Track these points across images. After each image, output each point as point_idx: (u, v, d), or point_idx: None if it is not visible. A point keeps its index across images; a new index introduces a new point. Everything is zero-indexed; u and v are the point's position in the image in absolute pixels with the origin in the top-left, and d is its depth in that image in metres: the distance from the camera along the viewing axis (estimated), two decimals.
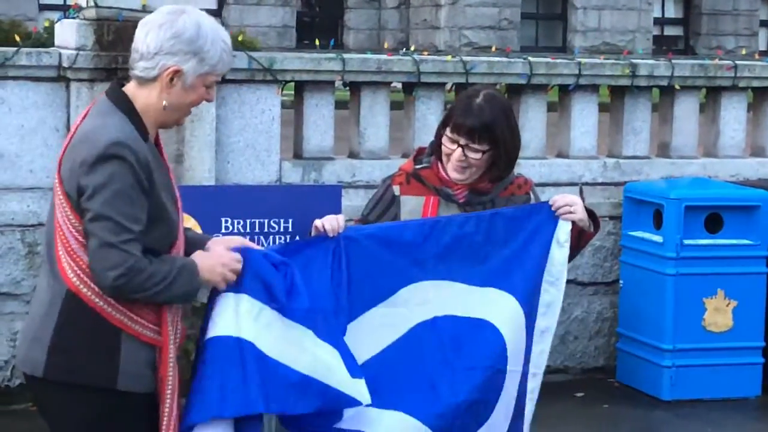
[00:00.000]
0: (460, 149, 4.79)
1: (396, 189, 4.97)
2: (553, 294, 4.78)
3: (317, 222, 4.62)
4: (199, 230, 5.27)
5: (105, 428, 4.15)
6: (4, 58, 8.08)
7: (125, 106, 4.13)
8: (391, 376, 4.72)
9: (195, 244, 4.43)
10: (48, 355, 4.11)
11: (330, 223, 4.59)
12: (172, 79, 4.10)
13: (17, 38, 10.42)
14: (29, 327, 4.25)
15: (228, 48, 4.20)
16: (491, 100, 4.91)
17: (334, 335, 4.54)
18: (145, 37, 4.12)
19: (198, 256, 4.16)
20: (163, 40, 4.09)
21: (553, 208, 4.75)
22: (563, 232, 4.75)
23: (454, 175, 4.84)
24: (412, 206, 4.91)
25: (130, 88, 4.17)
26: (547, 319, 4.80)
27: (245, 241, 4.57)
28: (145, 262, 3.96)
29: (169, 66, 4.08)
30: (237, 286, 4.33)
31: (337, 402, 4.50)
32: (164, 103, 4.12)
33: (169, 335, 4.12)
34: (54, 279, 4.12)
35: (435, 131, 5.00)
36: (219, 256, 4.21)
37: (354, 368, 4.53)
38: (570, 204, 4.75)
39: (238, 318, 4.35)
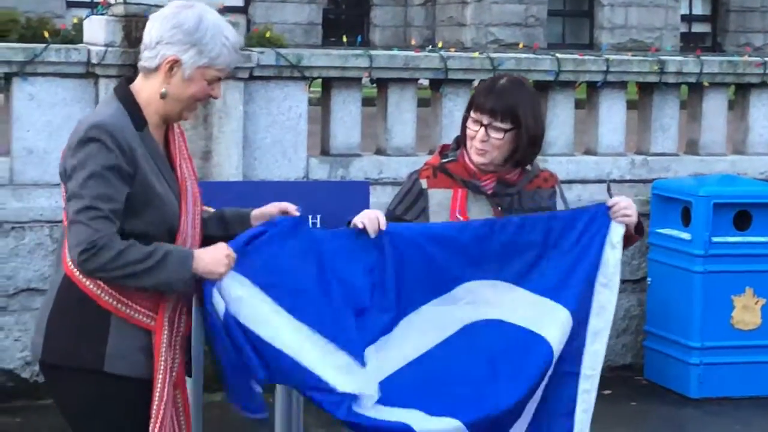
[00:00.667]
0: (483, 129, 4.79)
1: (423, 183, 4.95)
2: (606, 295, 4.77)
3: (356, 220, 4.63)
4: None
5: (100, 411, 4.21)
6: (33, 55, 8.13)
7: (124, 97, 4.21)
8: (434, 376, 4.71)
9: (240, 220, 4.56)
10: (44, 339, 4.23)
11: (371, 224, 4.59)
12: (171, 69, 4.16)
13: (46, 35, 10.44)
14: (38, 316, 4.39)
15: (230, 44, 4.25)
16: (515, 82, 4.96)
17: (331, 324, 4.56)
18: (150, 29, 4.22)
19: (200, 253, 4.16)
20: (164, 30, 4.18)
21: (613, 209, 4.74)
22: (616, 234, 4.75)
23: (476, 158, 4.84)
24: (440, 199, 4.91)
25: (137, 82, 4.26)
26: (602, 320, 4.79)
27: (287, 206, 4.60)
28: (117, 242, 3.99)
29: (168, 56, 4.14)
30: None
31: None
32: (162, 90, 4.15)
33: (165, 322, 4.16)
34: (57, 267, 4.26)
35: (462, 123, 4.98)
36: (222, 258, 4.21)
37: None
38: (628, 207, 4.77)
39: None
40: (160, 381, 4.14)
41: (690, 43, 22.76)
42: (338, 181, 8.15)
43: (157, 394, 4.14)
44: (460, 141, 4.99)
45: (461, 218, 4.88)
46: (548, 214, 4.87)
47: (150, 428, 4.14)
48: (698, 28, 24.96)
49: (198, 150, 8.00)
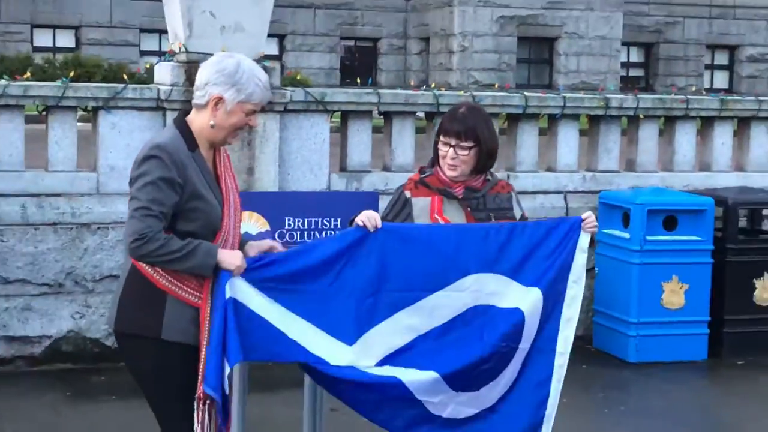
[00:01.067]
0: (451, 149, 4.81)
1: (407, 193, 4.97)
2: (576, 289, 4.77)
3: (358, 219, 4.63)
4: (267, 226, 5.37)
5: (159, 371, 4.28)
6: (114, 93, 8.25)
7: (180, 125, 4.29)
8: (433, 346, 4.71)
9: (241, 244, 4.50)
10: (117, 313, 4.31)
11: (370, 222, 4.60)
12: (216, 104, 4.21)
13: (124, 77, 10.49)
14: (113, 295, 4.46)
15: (262, 84, 4.30)
16: (472, 109, 5.05)
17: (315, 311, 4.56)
18: (200, 73, 4.30)
19: (223, 251, 4.19)
20: (210, 74, 4.25)
21: (584, 222, 4.76)
22: (585, 241, 4.76)
23: (449, 173, 4.86)
24: (422, 205, 4.92)
25: (191, 115, 4.33)
26: (572, 310, 4.77)
27: (273, 244, 4.60)
28: (161, 235, 4.06)
29: (214, 94, 4.21)
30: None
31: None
32: (211, 122, 4.23)
33: (209, 299, 4.20)
34: (126, 258, 4.30)
35: (434, 146, 5.02)
36: (239, 256, 4.24)
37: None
38: (594, 222, 4.81)
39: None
40: (206, 339, 4.20)
41: (628, 84, 22.74)
42: (353, 192, 8.22)
43: (203, 356, 4.20)
44: (434, 161, 5.01)
45: (440, 218, 4.89)
46: (535, 222, 4.93)
47: (198, 385, 4.20)
48: (634, 72, 24.92)
49: (243, 167, 8.11)
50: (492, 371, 4.76)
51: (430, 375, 4.69)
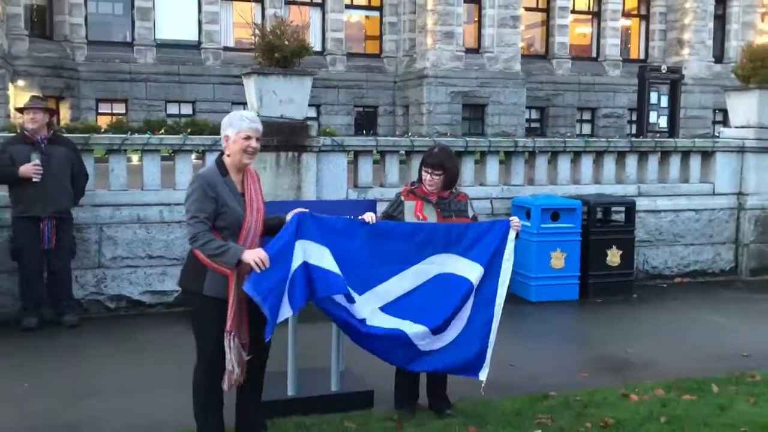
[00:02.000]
0: (429, 175, 4.97)
1: (402, 198, 5.07)
2: (507, 265, 4.82)
3: (363, 216, 4.72)
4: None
5: (202, 314, 4.25)
6: (215, 141, 8.05)
7: (218, 161, 4.26)
8: (417, 301, 4.74)
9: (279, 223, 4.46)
10: (180, 276, 4.38)
11: (370, 219, 4.72)
12: (227, 141, 4.20)
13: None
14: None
15: (248, 120, 4.23)
16: (442, 149, 5.10)
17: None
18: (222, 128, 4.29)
19: (247, 251, 4.08)
20: (222, 127, 4.25)
21: (512, 223, 4.85)
22: (512, 235, 4.84)
23: (428, 188, 4.99)
24: (410, 206, 4.99)
25: (226, 153, 4.28)
26: (505, 277, 4.81)
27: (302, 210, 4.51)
28: (207, 236, 4.05)
29: (224, 135, 4.22)
30: (303, 235, 4.38)
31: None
32: (227, 153, 4.23)
33: (236, 272, 4.11)
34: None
35: (418, 170, 5.09)
36: (257, 253, 4.11)
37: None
38: (518, 223, 4.89)
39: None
40: (232, 298, 4.14)
41: (530, 132, 22.75)
42: (361, 200, 8.13)
43: (230, 305, 4.15)
44: (419, 179, 5.06)
45: (420, 215, 4.93)
46: (480, 223, 4.96)
47: (228, 319, 4.14)
48: (534, 125, 24.92)
49: (294, 186, 8.08)
50: (455, 319, 4.77)
51: (422, 328, 4.70)
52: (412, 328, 4.66)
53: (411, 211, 4.96)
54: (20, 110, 7.49)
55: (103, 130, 11.72)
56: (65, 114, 20.29)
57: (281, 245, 4.32)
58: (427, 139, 9.56)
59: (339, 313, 4.57)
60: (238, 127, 4.18)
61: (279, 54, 7.90)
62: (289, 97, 7.99)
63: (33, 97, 7.61)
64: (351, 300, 4.56)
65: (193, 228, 4.06)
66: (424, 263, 4.79)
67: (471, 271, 4.77)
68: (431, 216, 4.95)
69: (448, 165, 5.00)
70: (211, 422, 4.37)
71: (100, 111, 21.23)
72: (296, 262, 4.36)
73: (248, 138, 4.18)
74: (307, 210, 4.53)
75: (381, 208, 5.22)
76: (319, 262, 4.46)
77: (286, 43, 7.91)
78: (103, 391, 5.63)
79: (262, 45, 7.93)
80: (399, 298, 4.74)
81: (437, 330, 4.72)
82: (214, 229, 4.13)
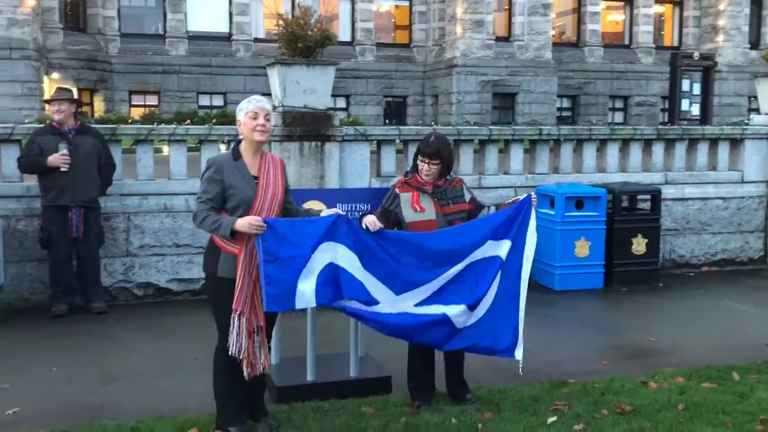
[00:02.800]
0: (425, 165, 4.91)
1: (397, 190, 4.99)
2: (532, 239, 4.84)
3: (363, 221, 4.65)
4: (324, 208, 5.08)
5: (217, 293, 4.34)
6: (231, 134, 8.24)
7: (233, 147, 4.40)
8: (454, 287, 4.75)
9: (301, 213, 4.55)
10: (203, 260, 4.49)
11: (372, 226, 4.62)
12: (240, 126, 4.32)
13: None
14: None
15: (254, 101, 4.32)
16: (438, 138, 5.02)
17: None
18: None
19: (239, 219, 4.16)
20: (237, 112, 4.35)
21: (533, 200, 4.87)
22: (534, 211, 4.87)
23: (425, 178, 4.93)
24: (406, 198, 4.93)
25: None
26: (530, 251, 4.83)
27: (335, 210, 4.56)
28: (204, 213, 4.20)
29: (237, 119, 4.34)
30: (335, 238, 4.42)
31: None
32: (241, 137, 4.37)
33: (243, 251, 4.19)
34: None
35: (413, 160, 5.07)
36: (249, 218, 4.18)
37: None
38: (535, 198, 4.90)
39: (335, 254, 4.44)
40: (240, 278, 4.22)
41: (561, 122, 22.62)
42: (384, 187, 8.11)
43: (239, 286, 4.23)
44: (414, 169, 5.03)
45: (418, 207, 4.88)
46: (507, 209, 4.90)
47: (234, 298, 4.21)
48: (566, 114, 24.71)
49: (318, 175, 8.13)
50: (487, 294, 4.79)
51: (461, 307, 4.73)
52: (453, 310, 4.70)
53: (408, 204, 4.89)
54: (47, 102, 7.64)
55: (130, 121, 11.85)
56: (99, 106, 20.59)
57: (309, 231, 4.39)
58: (449, 127, 9.51)
59: (359, 312, 4.60)
60: (245, 108, 4.31)
61: (302, 44, 7.94)
62: (312, 86, 8.03)
63: (58, 89, 7.77)
64: (372, 303, 4.57)
65: (195, 208, 4.25)
66: (462, 263, 4.78)
67: (501, 248, 4.80)
68: (428, 206, 4.88)
69: (445, 154, 4.92)
70: (230, 402, 4.45)
71: (133, 103, 21.53)
72: (322, 261, 4.40)
73: (255, 116, 4.27)
74: (343, 213, 4.57)
75: None
76: (348, 266, 4.50)
77: (309, 33, 7.95)
78: (129, 375, 5.75)
79: (286, 35, 7.98)
80: (436, 292, 4.75)
81: (472, 306, 4.75)
82: (225, 211, 4.26)
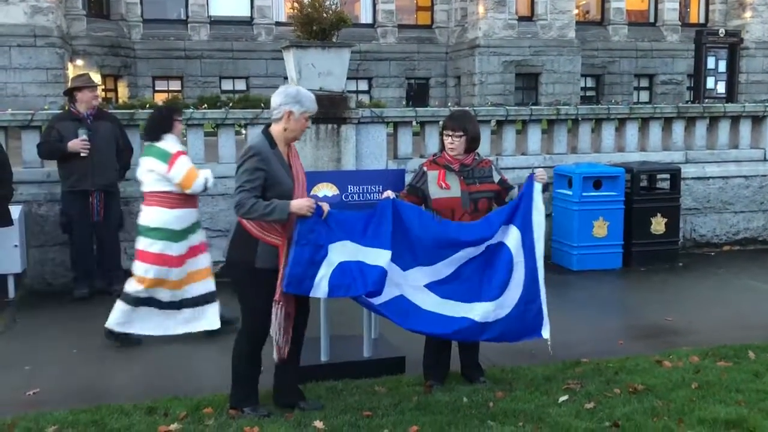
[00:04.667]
0: (449, 138, 4.93)
1: (425, 168, 5.02)
2: (539, 218, 4.80)
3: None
4: (336, 191, 5.20)
5: (254, 284, 4.33)
6: (256, 114, 8.32)
7: (266, 133, 4.35)
8: (471, 280, 4.76)
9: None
10: (230, 248, 4.40)
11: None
12: (288, 116, 4.29)
13: (262, 105, 10.59)
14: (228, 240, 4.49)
15: (312, 100, 4.35)
16: (462, 111, 5.20)
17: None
18: (274, 99, 4.35)
19: (293, 201, 4.21)
20: (282, 98, 4.31)
21: (537, 175, 4.83)
22: (538, 187, 4.81)
23: (450, 152, 4.94)
24: (433, 175, 4.95)
25: (272, 126, 4.36)
26: (539, 228, 4.81)
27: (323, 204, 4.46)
28: (251, 200, 4.13)
29: (286, 109, 4.28)
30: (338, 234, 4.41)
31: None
32: (284, 127, 4.30)
33: (285, 241, 4.27)
34: (235, 217, 4.35)
35: (439, 138, 5.13)
36: (304, 200, 4.26)
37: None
38: (543, 174, 4.87)
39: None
40: (282, 268, 4.28)
41: (585, 101, 22.40)
42: (396, 169, 8.10)
43: (281, 276, 4.28)
44: (441, 148, 5.07)
45: (444, 184, 4.88)
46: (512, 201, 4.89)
47: (277, 289, 4.28)
48: (590, 93, 24.41)
49: (334, 158, 8.17)
50: (510, 284, 4.79)
51: (488, 305, 4.75)
52: (477, 310, 4.71)
53: (434, 181, 4.91)
54: (75, 89, 7.48)
55: (147, 106, 11.95)
56: (123, 92, 20.75)
57: (349, 225, 4.48)
58: (467, 108, 9.47)
59: (373, 305, 4.65)
60: (306, 107, 4.33)
61: (317, 26, 7.97)
62: (327, 69, 8.06)
63: (80, 76, 7.79)
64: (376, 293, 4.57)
65: (238, 197, 4.18)
66: (473, 248, 4.78)
67: (508, 234, 4.78)
68: (454, 184, 4.89)
69: (468, 126, 4.93)
70: (247, 388, 4.52)
71: (156, 88, 21.65)
72: (343, 256, 4.43)
73: (309, 118, 4.36)
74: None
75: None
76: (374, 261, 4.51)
77: (324, 15, 7.97)
78: (146, 357, 5.84)
79: (301, 18, 8.01)
80: (450, 277, 4.76)
81: (495, 298, 4.74)
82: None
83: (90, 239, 7.51)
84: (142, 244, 5.90)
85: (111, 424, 4.41)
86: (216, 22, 22.07)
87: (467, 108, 5.66)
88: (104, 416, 4.51)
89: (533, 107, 9.49)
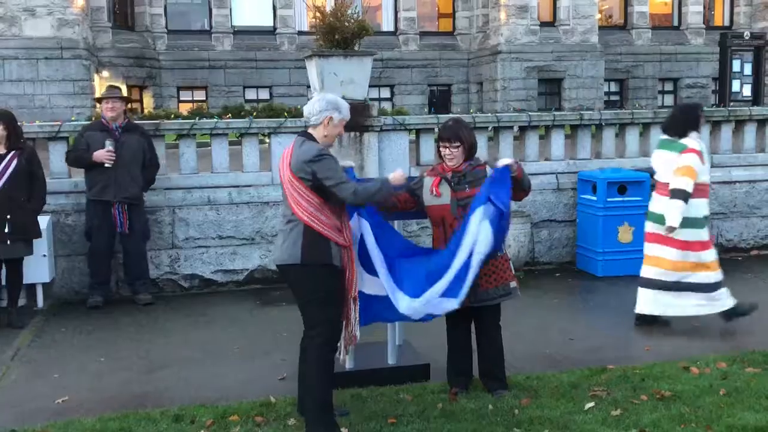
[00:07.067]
0: (447, 149, 4.87)
1: (425, 174, 5.01)
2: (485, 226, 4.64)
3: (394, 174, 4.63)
4: None
5: (330, 280, 4.32)
6: (280, 123, 8.35)
7: (309, 137, 4.38)
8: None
9: None
10: (302, 250, 4.25)
11: (399, 174, 4.59)
12: (328, 122, 4.35)
13: (285, 113, 10.66)
14: (281, 243, 4.36)
15: (348, 107, 4.46)
16: (456, 121, 5.01)
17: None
18: (314, 105, 4.39)
19: (390, 175, 4.45)
20: (323, 104, 4.36)
21: (512, 168, 4.73)
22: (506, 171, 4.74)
23: (449, 163, 4.89)
24: (428, 182, 4.92)
25: (310, 131, 4.41)
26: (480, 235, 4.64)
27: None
28: (356, 185, 4.26)
29: (326, 115, 4.34)
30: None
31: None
32: (325, 133, 4.36)
33: (351, 242, 4.39)
34: (293, 220, 4.28)
35: (436, 149, 5.07)
36: (397, 171, 4.51)
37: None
38: (514, 165, 4.76)
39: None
40: (348, 268, 4.41)
41: (609, 106, 22.30)
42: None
43: (348, 274, 4.41)
44: (437, 157, 5.07)
45: (435, 191, 4.84)
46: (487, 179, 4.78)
47: (350, 286, 4.43)
48: (614, 98, 24.29)
49: (358, 165, 8.16)
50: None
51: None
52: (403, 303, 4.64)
53: (427, 187, 4.92)
54: (98, 100, 7.78)
55: (172, 116, 12.06)
56: (148, 102, 20.95)
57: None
58: (488, 115, 9.45)
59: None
60: (344, 114, 4.42)
61: (339, 35, 8.00)
62: (349, 77, 8.08)
63: (109, 87, 7.93)
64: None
65: (351, 189, 4.22)
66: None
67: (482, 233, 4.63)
68: (445, 191, 4.86)
69: (464, 136, 4.87)
70: (332, 412, 4.43)
71: (181, 99, 21.85)
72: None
73: (343, 125, 4.48)
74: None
75: None
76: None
77: (346, 24, 8.00)
78: (173, 364, 5.88)
79: (323, 27, 8.05)
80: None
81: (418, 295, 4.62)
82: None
83: (109, 248, 7.59)
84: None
85: (139, 431, 4.45)
86: (239, 32, 22.25)
87: (459, 115, 5.59)
88: (132, 424, 4.55)
89: (556, 113, 9.46)
